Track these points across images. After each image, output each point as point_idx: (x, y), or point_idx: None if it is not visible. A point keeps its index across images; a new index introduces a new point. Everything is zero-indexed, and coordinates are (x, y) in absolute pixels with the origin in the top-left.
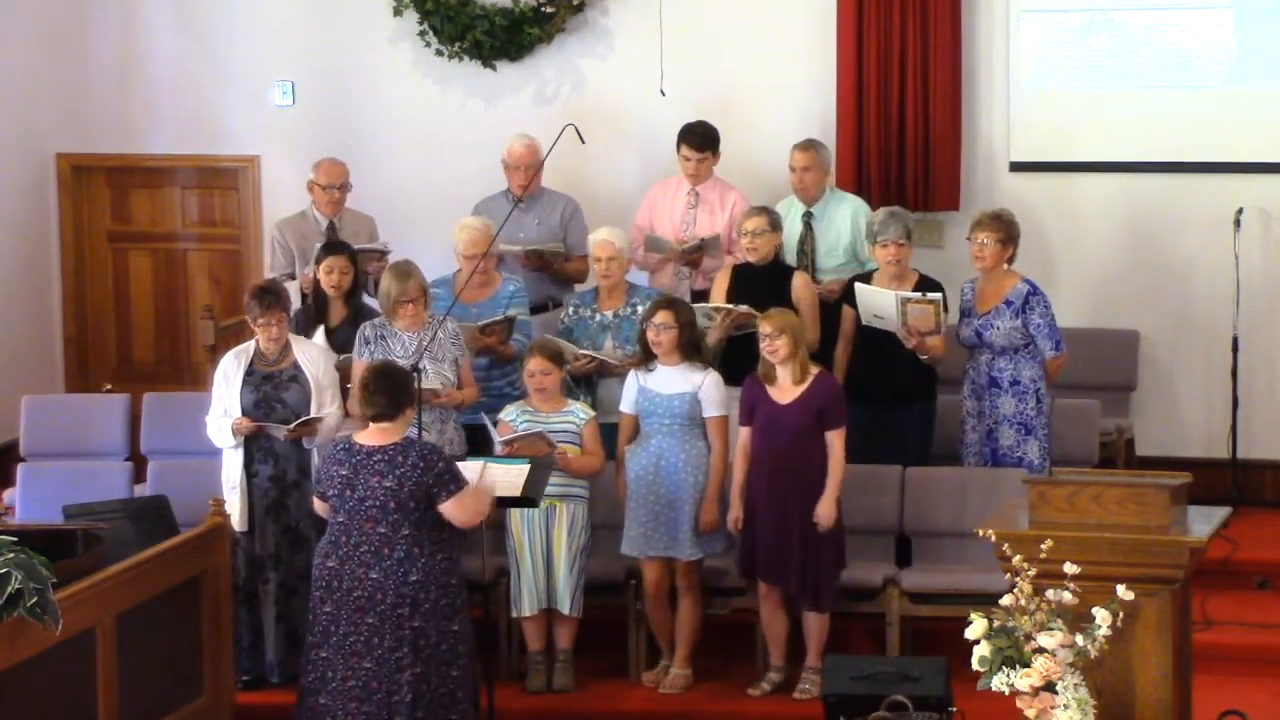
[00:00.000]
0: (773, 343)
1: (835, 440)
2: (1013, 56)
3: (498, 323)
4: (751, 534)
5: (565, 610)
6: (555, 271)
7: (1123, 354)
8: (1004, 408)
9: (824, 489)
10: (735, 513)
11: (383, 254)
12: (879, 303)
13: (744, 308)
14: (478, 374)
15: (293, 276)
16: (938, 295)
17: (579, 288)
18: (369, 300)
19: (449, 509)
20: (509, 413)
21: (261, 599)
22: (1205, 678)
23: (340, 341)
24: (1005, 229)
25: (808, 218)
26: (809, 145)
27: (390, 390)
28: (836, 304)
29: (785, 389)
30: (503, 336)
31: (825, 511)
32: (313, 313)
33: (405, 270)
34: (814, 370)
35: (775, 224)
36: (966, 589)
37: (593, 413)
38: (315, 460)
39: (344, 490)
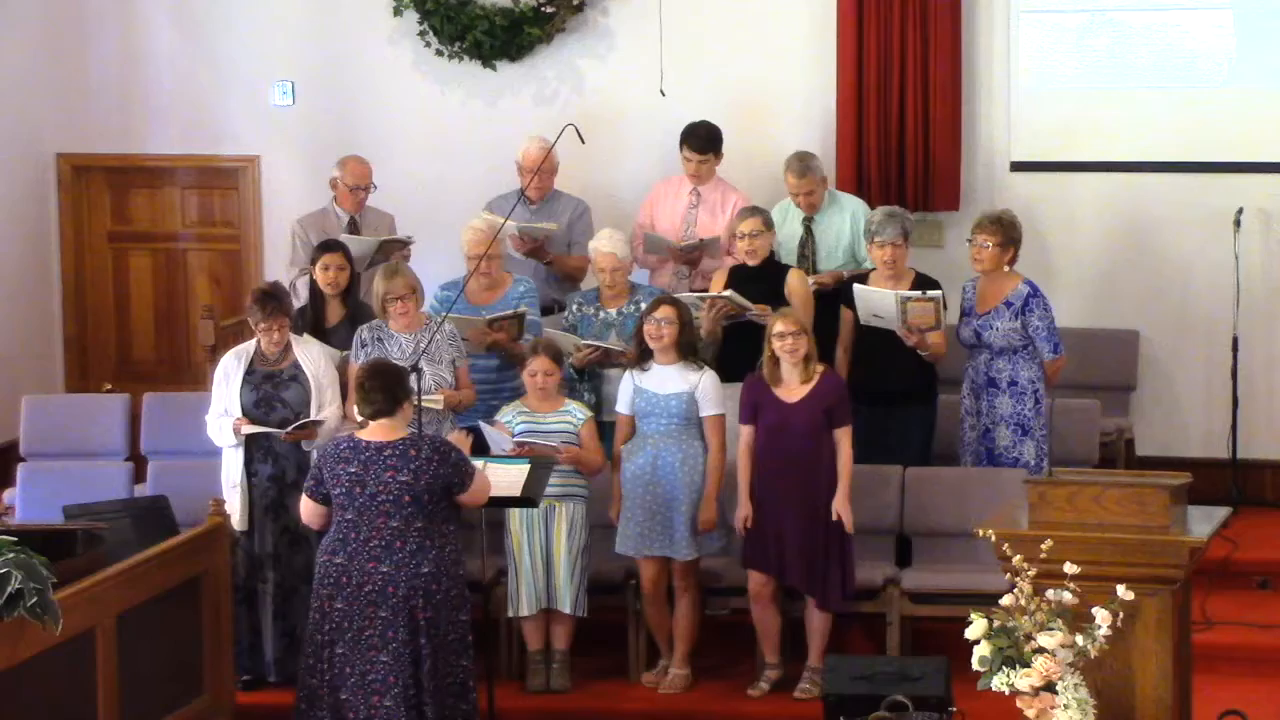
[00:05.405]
0: (793, 341)
1: (843, 438)
2: (1013, 56)
3: (506, 318)
4: (759, 531)
5: (567, 610)
6: (554, 264)
7: (1123, 354)
8: (1002, 408)
9: (834, 486)
10: (744, 510)
11: (405, 244)
12: (878, 302)
13: (728, 292)
14: (487, 377)
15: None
16: (937, 293)
17: (582, 286)
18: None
19: (467, 496)
20: (505, 414)
21: (260, 598)
22: (1205, 678)
23: (338, 342)
24: (1005, 232)
25: (807, 221)
26: (804, 170)
27: (386, 386)
28: (834, 305)
29: (792, 388)
30: (512, 334)
31: (844, 510)
32: (309, 314)
33: (392, 269)
34: (820, 369)
35: (769, 223)
36: (966, 589)
37: (590, 412)
38: (314, 461)
39: (353, 487)
